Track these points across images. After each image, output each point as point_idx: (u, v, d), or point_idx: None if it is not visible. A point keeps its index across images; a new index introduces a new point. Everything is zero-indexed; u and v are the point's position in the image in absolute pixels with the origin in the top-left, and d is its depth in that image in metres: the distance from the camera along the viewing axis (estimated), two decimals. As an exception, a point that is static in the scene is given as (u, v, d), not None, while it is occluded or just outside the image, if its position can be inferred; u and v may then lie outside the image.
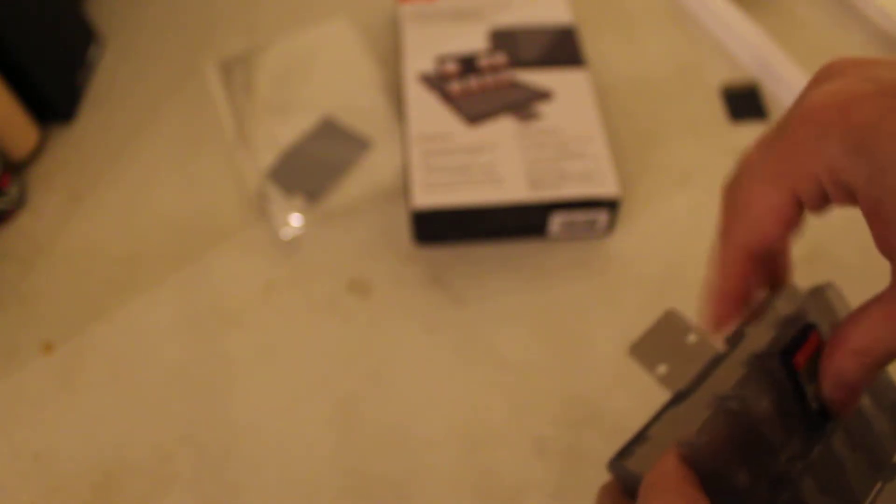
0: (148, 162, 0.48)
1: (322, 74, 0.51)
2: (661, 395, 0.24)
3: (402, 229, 0.44)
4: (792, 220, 0.23)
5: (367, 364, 0.40)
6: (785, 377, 0.22)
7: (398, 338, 0.40)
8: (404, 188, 0.45)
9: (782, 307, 0.25)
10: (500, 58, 0.48)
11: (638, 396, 0.38)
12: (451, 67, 0.47)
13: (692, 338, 0.25)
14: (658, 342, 0.24)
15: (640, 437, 0.23)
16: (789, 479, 0.22)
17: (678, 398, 0.24)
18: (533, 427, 0.37)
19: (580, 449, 0.37)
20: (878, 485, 0.23)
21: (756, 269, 0.24)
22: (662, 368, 0.24)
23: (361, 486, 0.36)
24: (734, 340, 0.25)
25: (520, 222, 0.42)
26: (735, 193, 0.24)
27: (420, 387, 0.39)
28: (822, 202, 0.22)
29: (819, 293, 0.25)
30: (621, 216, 0.45)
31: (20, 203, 0.45)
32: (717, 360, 0.24)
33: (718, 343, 0.25)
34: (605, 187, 0.41)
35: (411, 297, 0.42)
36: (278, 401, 0.38)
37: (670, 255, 0.43)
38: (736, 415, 0.21)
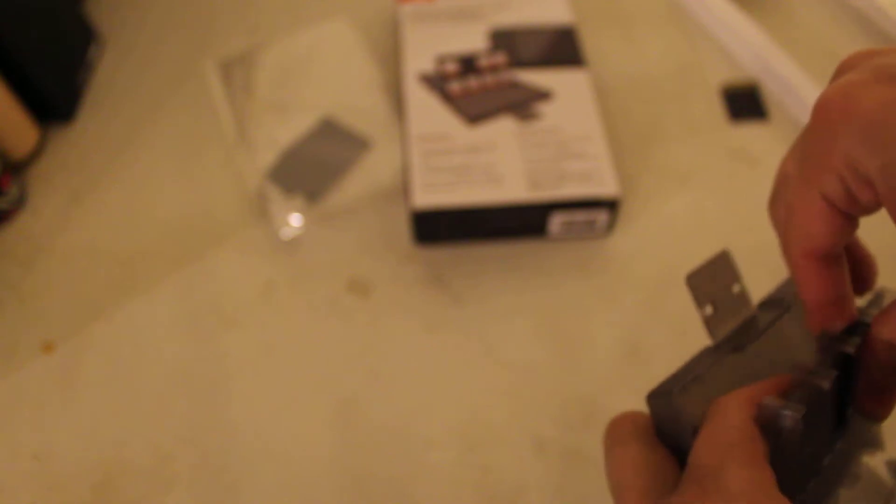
0: (148, 162, 0.48)
1: (322, 74, 0.51)
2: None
3: (402, 229, 0.44)
4: (836, 222, 0.22)
5: (367, 364, 0.40)
6: (848, 369, 0.22)
7: (398, 337, 0.40)
8: (404, 188, 0.45)
9: None
10: (500, 58, 0.48)
11: (638, 396, 0.37)
12: (451, 67, 0.47)
13: (736, 288, 0.25)
14: (710, 279, 0.24)
15: (694, 377, 0.22)
16: (814, 469, 0.22)
17: (730, 347, 0.24)
18: (533, 427, 0.37)
19: (580, 449, 0.37)
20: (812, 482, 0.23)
21: (831, 269, 0.23)
22: (709, 309, 0.24)
23: (361, 486, 0.36)
24: (771, 308, 0.25)
25: (520, 222, 0.42)
26: (778, 207, 0.24)
27: (420, 386, 0.39)
28: (852, 199, 0.21)
29: (879, 298, 0.25)
30: (621, 216, 0.45)
31: (20, 203, 0.45)
32: (762, 321, 0.24)
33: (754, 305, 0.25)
34: (605, 187, 0.41)
35: (411, 297, 0.42)
36: (278, 401, 0.38)
37: (670, 254, 0.43)
38: (818, 392, 0.20)
